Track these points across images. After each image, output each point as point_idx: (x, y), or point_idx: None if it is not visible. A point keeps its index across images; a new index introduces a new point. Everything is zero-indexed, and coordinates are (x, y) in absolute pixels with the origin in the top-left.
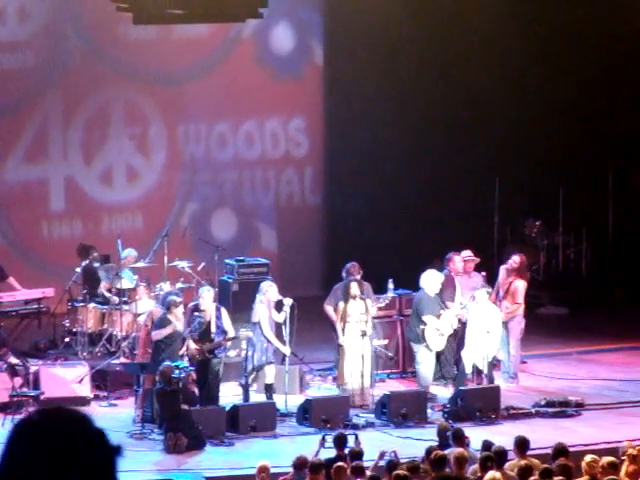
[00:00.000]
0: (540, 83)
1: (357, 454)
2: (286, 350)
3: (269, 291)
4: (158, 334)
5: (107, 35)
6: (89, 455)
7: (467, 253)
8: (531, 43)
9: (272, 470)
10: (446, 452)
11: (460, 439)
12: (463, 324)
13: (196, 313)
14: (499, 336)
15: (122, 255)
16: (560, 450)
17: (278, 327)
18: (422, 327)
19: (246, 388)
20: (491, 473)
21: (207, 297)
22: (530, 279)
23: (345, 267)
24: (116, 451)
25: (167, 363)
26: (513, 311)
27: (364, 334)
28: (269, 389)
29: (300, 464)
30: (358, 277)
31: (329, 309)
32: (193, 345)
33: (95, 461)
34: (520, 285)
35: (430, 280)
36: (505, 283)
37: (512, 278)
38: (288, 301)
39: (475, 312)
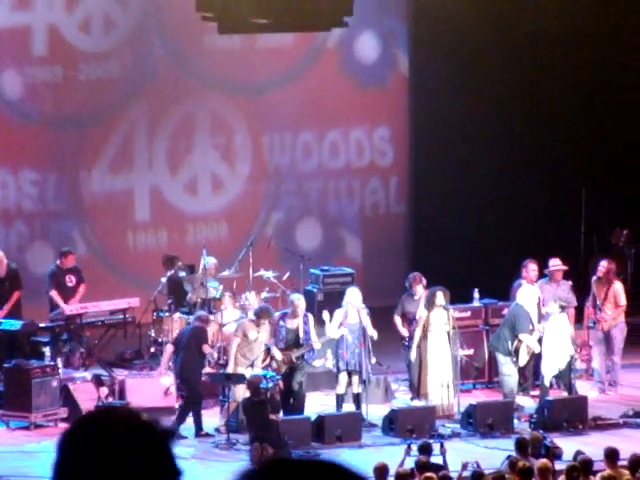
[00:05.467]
0: (630, 92)
1: (424, 465)
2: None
3: (352, 297)
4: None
5: (192, 45)
6: (140, 446)
7: (555, 262)
8: (618, 51)
9: None
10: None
11: (524, 449)
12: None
13: (281, 322)
14: (570, 346)
15: (204, 264)
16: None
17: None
18: (517, 344)
19: (338, 396)
20: None
21: (301, 304)
22: None
23: (408, 277)
24: (167, 436)
25: (255, 373)
26: (618, 314)
27: (446, 344)
28: (339, 399)
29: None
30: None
31: (398, 320)
32: (279, 355)
33: (149, 450)
34: (619, 287)
35: (528, 295)
36: (601, 291)
37: (608, 284)
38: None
39: (547, 324)
